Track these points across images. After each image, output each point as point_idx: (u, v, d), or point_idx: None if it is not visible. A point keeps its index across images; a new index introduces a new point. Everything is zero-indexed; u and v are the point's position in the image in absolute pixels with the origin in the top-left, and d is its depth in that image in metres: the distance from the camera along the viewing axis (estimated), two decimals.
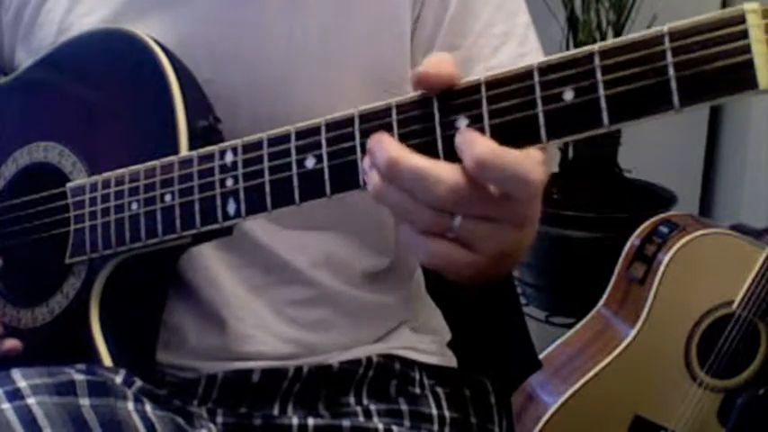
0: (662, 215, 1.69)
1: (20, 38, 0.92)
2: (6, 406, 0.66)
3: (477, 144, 0.56)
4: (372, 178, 0.59)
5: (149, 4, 0.84)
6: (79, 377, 0.69)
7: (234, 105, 0.81)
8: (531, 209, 0.60)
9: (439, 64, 0.59)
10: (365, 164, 0.61)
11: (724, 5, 2.11)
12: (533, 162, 0.56)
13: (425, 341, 0.95)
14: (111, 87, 0.82)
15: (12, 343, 0.82)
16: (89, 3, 0.87)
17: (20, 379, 0.68)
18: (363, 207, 0.85)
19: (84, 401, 0.68)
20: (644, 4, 1.92)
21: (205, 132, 0.76)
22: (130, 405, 0.70)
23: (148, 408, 0.71)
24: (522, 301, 1.85)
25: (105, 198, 0.77)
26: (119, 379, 0.73)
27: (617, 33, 1.93)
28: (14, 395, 0.67)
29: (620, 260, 1.67)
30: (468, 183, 0.57)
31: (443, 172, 0.57)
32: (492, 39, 0.85)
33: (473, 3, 0.86)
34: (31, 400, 0.66)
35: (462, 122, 0.59)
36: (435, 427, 0.90)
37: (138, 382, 0.74)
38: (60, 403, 0.67)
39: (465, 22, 0.85)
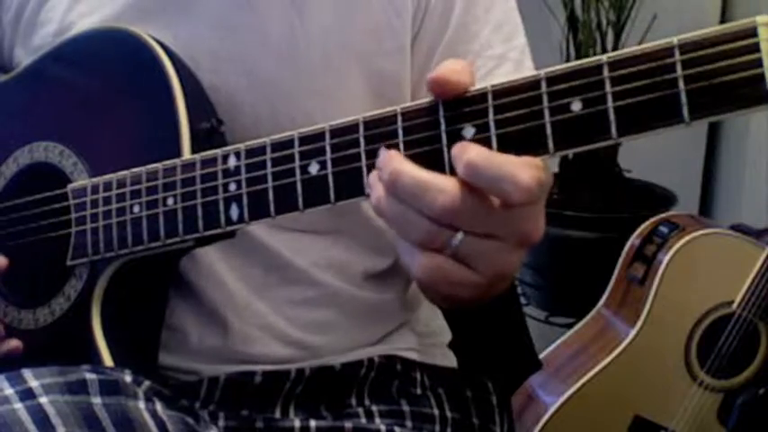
0: (662, 215, 1.69)
1: (20, 37, 0.91)
2: (19, 405, 0.66)
3: (468, 150, 0.56)
4: (376, 191, 0.59)
5: (151, 7, 0.84)
6: (90, 376, 0.69)
7: (235, 109, 0.81)
8: (532, 223, 0.59)
9: (459, 70, 0.59)
10: (371, 179, 0.60)
11: (724, 6, 2.10)
12: (526, 163, 0.56)
13: (426, 342, 0.95)
14: (113, 87, 0.81)
15: (14, 343, 0.82)
16: (90, 2, 0.87)
17: (31, 378, 0.68)
18: (365, 212, 0.85)
19: (96, 400, 0.68)
20: (644, 4, 1.91)
21: (207, 134, 0.75)
22: (141, 404, 0.70)
23: (159, 407, 0.71)
24: (522, 301, 1.85)
25: (107, 200, 0.76)
26: (128, 378, 0.73)
27: (617, 33, 1.93)
28: (26, 395, 0.67)
29: (620, 260, 1.67)
30: (468, 193, 0.57)
31: (445, 183, 0.57)
32: (488, 60, 0.85)
33: (473, 22, 0.85)
34: (43, 399, 0.66)
35: (469, 131, 0.59)
36: (437, 427, 0.90)
37: (147, 382, 0.74)
38: (72, 402, 0.67)
39: (464, 41, 0.85)
